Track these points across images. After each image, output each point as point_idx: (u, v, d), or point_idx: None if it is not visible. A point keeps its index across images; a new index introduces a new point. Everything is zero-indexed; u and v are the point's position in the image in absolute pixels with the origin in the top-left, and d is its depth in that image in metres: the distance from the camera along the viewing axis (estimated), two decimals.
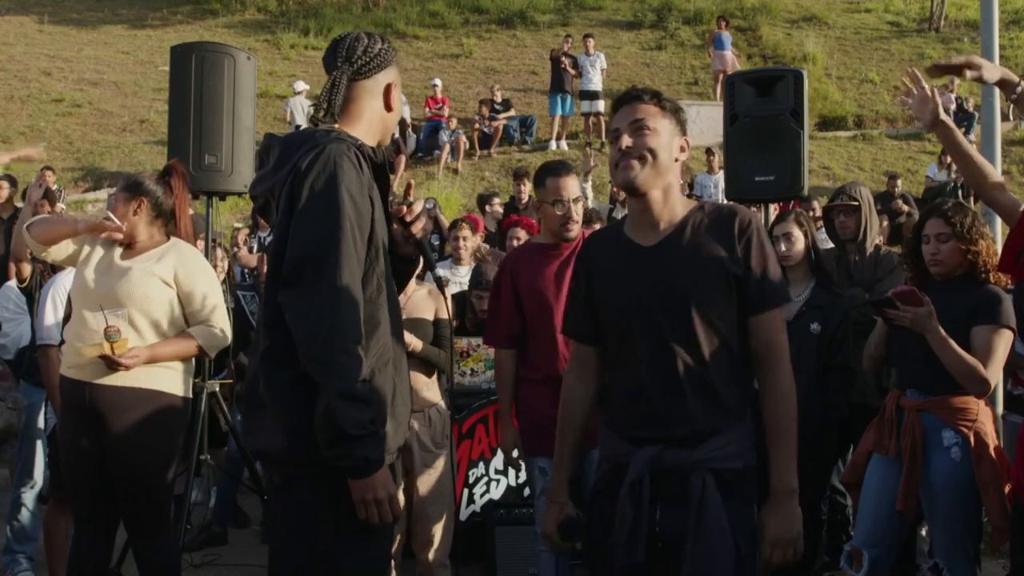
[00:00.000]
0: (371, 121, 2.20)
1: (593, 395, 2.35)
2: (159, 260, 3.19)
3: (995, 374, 2.99)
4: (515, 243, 5.89)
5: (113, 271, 3.18)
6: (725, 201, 5.32)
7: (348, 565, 2.01)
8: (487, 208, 9.19)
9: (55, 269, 4.04)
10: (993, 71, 2.48)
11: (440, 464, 3.80)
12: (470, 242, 5.90)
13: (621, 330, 2.19)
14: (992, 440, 3.04)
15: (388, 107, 2.22)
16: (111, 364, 3.02)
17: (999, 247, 2.82)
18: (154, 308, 3.14)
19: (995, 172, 2.79)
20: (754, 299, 2.15)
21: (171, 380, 3.17)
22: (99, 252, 3.23)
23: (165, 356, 3.14)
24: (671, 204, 2.19)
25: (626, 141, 2.14)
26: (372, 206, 2.02)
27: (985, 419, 3.06)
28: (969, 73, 2.46)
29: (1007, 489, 2.96)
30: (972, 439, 3.01)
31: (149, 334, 3.14)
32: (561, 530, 2.30)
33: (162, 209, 3.29)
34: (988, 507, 3.01)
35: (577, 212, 3.33)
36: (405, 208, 2.23)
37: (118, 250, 3.26)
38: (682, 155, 2.22)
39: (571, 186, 3.33)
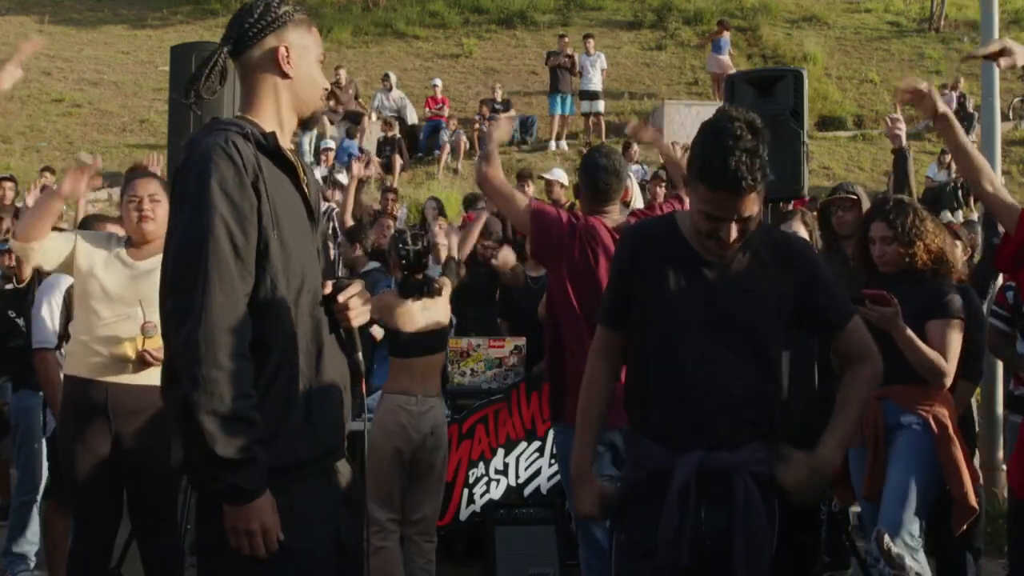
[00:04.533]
0: (266, 97, 1.95)
1: (615, 379, 2.39)
2: None
3: (952, 364, 3.15)
4: None
5: (130, 271, 3.16)
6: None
7: None
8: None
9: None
10: None
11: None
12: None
13: (670, 335, 2.20)
14: (950, 423, 3.16)
15: (283, 73, 1.93)
16: (143, 360, 3.00)
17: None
18: None
19: (990, 171, 2.81)
20: (832, 319, 2.27)
21: None
22: (100, 252, 3.18)
23: None
24: None
25: (733, 234, 2.12)
26: (259, 198, 1.80)
27: (942, 404, 3.19)
28: (1004, 61, 2.47)
29: (966, 472, 3.11)
30: (932, 422, 3.14)
31: None
32: (604, 507, 2.32)
33: None
34: (951, 485, 3.12)
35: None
36: (329, 285, 1.92)
37: (120, 248, 3.22)
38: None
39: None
